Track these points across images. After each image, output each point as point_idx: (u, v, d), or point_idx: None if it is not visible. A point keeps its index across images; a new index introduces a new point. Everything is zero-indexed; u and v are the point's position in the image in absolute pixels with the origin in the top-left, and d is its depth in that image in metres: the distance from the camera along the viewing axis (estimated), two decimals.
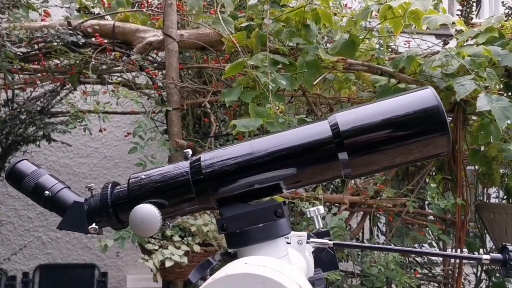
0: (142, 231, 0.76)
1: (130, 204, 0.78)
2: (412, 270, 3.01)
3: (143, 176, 0.81)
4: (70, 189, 0.84)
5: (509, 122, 2.20)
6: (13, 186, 0.83)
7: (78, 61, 2.53)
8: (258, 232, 0.76)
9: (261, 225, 0.76)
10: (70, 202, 0.81)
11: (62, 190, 0.82)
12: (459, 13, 3.42)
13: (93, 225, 0.79)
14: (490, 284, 3.32)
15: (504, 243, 0.86)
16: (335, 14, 2.74)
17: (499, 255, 0.84)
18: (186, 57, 3.04)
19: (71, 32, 2.45)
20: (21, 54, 2.49)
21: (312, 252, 0.96)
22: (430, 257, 3.33)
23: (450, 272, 2.96)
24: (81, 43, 2.48)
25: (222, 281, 0.56)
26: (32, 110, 3.10)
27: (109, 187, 0.81)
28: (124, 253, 4.03)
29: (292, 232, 0.89)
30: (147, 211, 0.76)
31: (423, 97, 0.75)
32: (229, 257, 0.79)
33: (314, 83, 2.57)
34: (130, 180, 0.81)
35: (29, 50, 2.66)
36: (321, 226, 0.95)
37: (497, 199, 3.41)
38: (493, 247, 3.26)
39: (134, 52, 2.54)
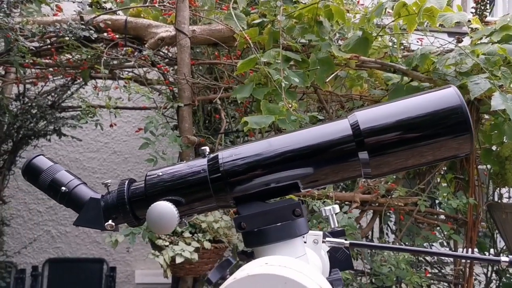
0: (159, 229, 0.75)
1: (147, 201, 0.77)
2: (422, 270, 2.99)
3: (160, 173, 0.80)
4: (86, 185, 0.83)
5: None
6: (30, 182, 0.82)
7: (90, 56, 2.53)
8: (276, 231, 0.75)
9: (279, 224, 0.75)
10: (86, 199, 0.80)
11: (79, 186, 0.82)
12: (473, 10, 3.38)
13: (110, 221, 0.79)
14: (501, 284, 3.29)
15: None
16: (348, 11, 2.71)
17: None
18: (198, 53, 3.03)
19: (83, 27, 2.45)
20: (33, 48, 2.49)
21: (327, 252, 0.95)
22: (441, 257, 3.31)
23: (460, 272, 2.93)
24: (93, 38, 2.47)
25: (243, 281, 0.55)
26: (43, 105, 3.12)
27: (126, 183, 0.81)
28: (133, 248, 4.04)
29: (308, 231, 0.88)
30: (165, 208, 0.75)
31: (446, 96, 0.73)
32: (246, 256, 0.78)
33: (326, 80, 2.55)
34: (147, 177, 0.80)
35: (41, 44, 2.67)
36: (336, 225, 0.94)
37: (509, 199, 3.37)
38: (504, 247, 3.23)
39: (146, 47, 2.54)
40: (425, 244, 2.93)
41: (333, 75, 2.62)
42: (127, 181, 0.81)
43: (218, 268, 0.74)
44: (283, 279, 0.54)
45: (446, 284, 3.14)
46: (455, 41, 2.87)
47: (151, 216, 0.75)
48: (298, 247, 0.76)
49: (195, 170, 0.79)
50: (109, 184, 0.82)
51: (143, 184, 0.80)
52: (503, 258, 0.84)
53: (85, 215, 0.79)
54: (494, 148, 2.83)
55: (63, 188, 0.80)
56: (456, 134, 0.72)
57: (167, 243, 2.17)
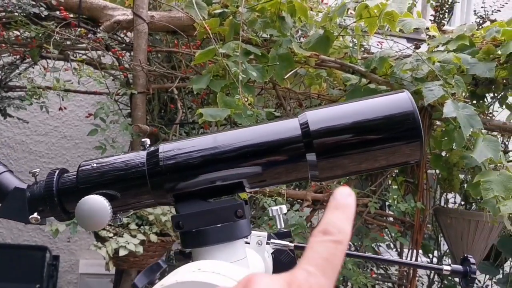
0: (89, 225, 0.69)
1: (78, 194, 0.71)
2: (368, 270, 3.03)
3: (95, 165, 0.74)
4: (12, 174, 0.76)
5: (472, 130, 2.23)
6: None
7: (39, 34, 2.40)
8: (216, 233, 0.70)
9: (219, 225, 0.71)
10: (10, 188, 0.73)
11: (3, 174, 0.74)
12: (432, 18, 3.45)
13: (35, 214, 0.72)
14: (442, 286, 3.40)
15: (465, 255, 0.84)
16: (311, 9, 2.70)
17: (459, 267, 0.82)
18: (156, 40, 2.94)
19: (33, 3, 2.32)
20: None
21: (272, 253, 0.92)
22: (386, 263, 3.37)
23: (405, 273, 3.00)
24: (43, 16, 2.34)
25: None
26: None
27: (56, 173, 0.74)
28: (78, 237, 3.91)
29: (252, 232, 0.85)
30: (96, 203, 0.69)
31: (398, 100, 0.71)
32: (183, 257, 0.74)
33: (285, 77, 2.53)
34: (80, 168, 0.74)
35: None
36: (283, 226, 0.91)
37: (455, 205, 3.48)
38: (447, 250, 3.33)
39: (101, 30, 2.43)
40: (372, 245, 2.98)
41: (292, 72, 2.60)
42: (57, 171, 0.74)
43: (146, 272, 0.69)
44: (213, 287, 0.50)
45: (390, 284, 3.21)
46: (413, 47, 2.91)
47: (81, 211, 0.68)
48: (239, 250, 0.72)
49: (133, 163, 0.73)
50: (36, 174, 0.75)
51: (75, 176, 0.73)
52: (445, 267, 0.83)
53: (8, 206, 0.72)
54: (443, 154, 2.90)
55: None
56: (406, 141, 0.70)
57: (111, 235, 2.09)
